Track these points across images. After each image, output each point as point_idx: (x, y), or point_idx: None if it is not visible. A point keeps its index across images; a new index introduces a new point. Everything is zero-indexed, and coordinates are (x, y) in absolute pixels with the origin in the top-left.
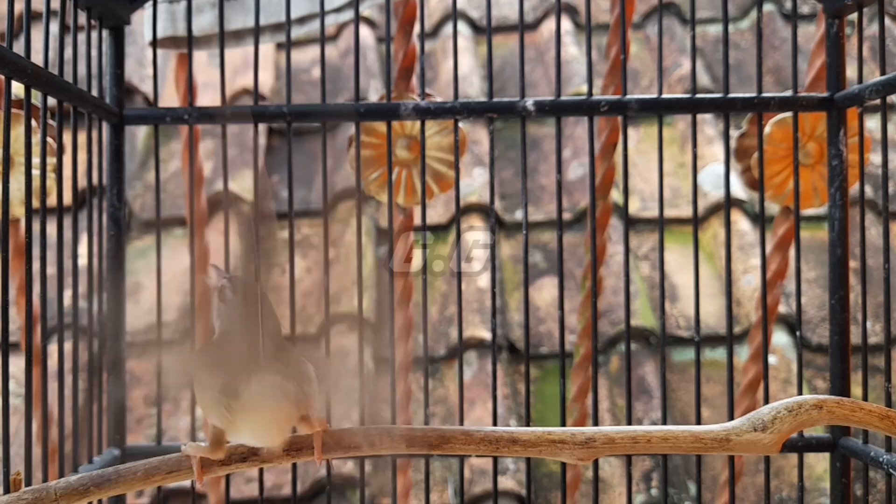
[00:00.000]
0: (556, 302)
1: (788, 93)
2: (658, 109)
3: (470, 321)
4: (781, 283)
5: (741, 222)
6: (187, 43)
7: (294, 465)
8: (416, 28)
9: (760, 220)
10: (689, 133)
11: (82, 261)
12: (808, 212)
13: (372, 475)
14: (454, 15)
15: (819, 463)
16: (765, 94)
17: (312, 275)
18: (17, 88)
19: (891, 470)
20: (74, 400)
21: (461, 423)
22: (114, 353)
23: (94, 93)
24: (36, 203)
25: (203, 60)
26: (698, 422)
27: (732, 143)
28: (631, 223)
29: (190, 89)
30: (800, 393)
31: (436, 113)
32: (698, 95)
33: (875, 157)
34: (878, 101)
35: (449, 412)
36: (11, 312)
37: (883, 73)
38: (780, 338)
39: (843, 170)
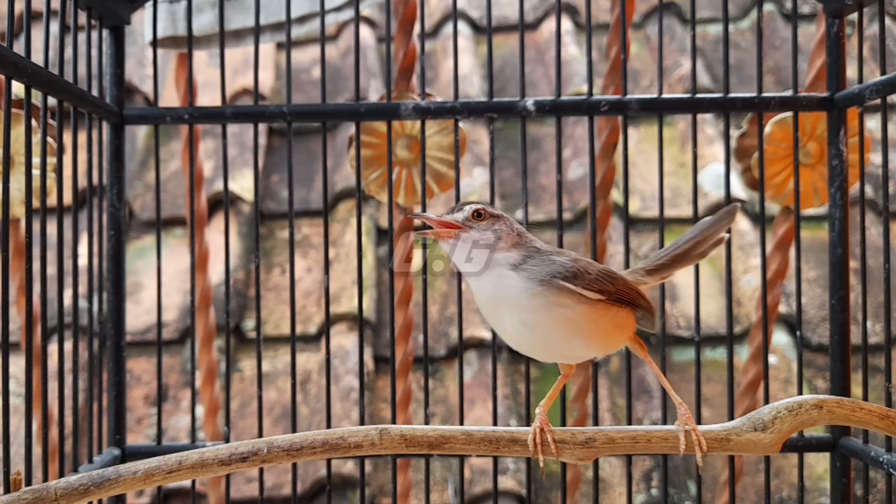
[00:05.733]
0: None
1: (789, 93)
2: (658, 109)
3: (470, 321)
4: (781, 282)
5: (741, 222)
6: (187, 43)
7: (294, 465)
8: (417, 28)
9: (761, 219)
10: (690, 133)
11: (82, 261)
12: (808, 212)
13: (372, 475)
14: (454, 15)
15: (819, 463)
16: (765, 94)
17: (312, 275)
18: (18, 88)
19: (891, 470)
20: (74, 400)
21: (461, 423)
22: (114, 352)
23: (94, 93)
24: (36, 203)
25: (203, 60)
26: (698, 422)
27: (733, 143)
28: (631, 223)
29: (190, 89)
30: (800, 393)
31: (436, 113)
32: (698, 95)
33: (875, 157)
34: (878, 101)
35: (449, 412)
36: (11, 312)
37: (883, 73)
38: (780, 338)
39: (844, 170)
